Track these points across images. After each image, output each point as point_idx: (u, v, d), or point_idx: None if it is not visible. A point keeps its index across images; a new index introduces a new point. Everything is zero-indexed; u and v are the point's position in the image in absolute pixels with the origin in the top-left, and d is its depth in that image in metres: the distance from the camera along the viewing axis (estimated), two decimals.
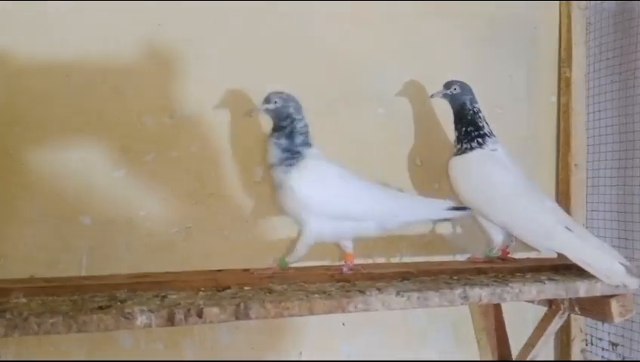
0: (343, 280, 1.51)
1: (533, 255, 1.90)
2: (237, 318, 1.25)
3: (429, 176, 2.09)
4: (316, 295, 1.33)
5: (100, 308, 1.21)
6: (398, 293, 1.33)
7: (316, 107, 1.75)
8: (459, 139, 1.84)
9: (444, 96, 1.87)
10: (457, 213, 1.70)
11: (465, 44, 2.17)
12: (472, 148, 1.80)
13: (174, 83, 1.88)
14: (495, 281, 1.52)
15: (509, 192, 1.74)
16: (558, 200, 2.20)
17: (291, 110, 1.62)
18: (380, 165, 2.02)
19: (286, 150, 1.60)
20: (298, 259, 1.60)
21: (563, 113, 2.24)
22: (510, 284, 1.47)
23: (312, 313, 1.30)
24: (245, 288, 1.41)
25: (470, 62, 2.16)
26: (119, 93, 1.82)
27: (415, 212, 1.69)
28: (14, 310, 1.18)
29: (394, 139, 2.08)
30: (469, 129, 1.82)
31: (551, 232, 1.64)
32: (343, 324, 2.00)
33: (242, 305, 1.26)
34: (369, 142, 2.04)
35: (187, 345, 1.88)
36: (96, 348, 1.80)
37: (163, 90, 1.87)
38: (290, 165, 1.59)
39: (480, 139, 1.81)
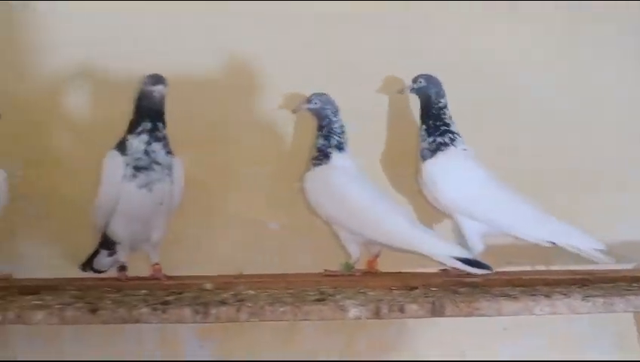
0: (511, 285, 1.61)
1: None
2: (433, 315, 1.40)
3: None
4: (502, 297, 1.45)
5: (318, 300, 1.42)
6: (584, 298, 1.41)
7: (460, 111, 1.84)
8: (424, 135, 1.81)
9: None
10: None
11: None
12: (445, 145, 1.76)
13: None
14: None
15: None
16: None
17: (329, 111, 1.78)
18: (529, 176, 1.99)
19: (319, 150, 1.77)
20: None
21: None
22: None
23: (500, 314, 1.42)
24: (432, 289, 1.57)
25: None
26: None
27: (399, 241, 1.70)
28: (250, 300, 1.42)
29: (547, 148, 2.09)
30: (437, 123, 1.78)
31: None
32: (505, 329, 2.09)
33: (437, 303, 1.41)
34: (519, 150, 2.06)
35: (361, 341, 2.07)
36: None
37: None
38: (314, 165, 1.76)
39: (451, 135, 1.76)
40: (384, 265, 1.85)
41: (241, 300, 1.42)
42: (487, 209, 1.70)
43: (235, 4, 2.02)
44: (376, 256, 1.82)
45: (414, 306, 1.40)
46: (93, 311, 1.36)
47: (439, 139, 1.76)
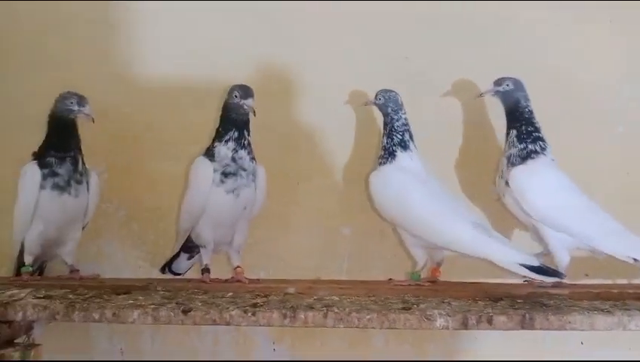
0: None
1: None
2: (522, 327, 1.38)
3: None
4: (595, 311, 1.41)
5: (404, 309, 1.42)
6: None
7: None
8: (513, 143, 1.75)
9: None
10: None
11: None
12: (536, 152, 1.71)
13: None
14: None
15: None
16: None
17: (389, 109, 1.74)
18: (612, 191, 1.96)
19: (383, 148, 1.74)
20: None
21: None
22: None
23: (592, 328, 1.38)
24: (517, 300, 1.53)
25: None
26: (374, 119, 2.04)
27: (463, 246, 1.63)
28: (339, 306, 1.43)
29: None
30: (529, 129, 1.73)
31: None
32: (582, 343, 2.03)
33: (527, 315, 1.39)
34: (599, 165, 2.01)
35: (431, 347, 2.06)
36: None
37: None
38: (379, 164, 1.72)
39: (542, 143, 1.71)
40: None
41: (328, 306, 1.43)
42: (572, 221, 1.65)
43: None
44: (439, 263, 1.77)
45: (503, 318, 1.38)
46: (186, 311, 1.40)
47: (530, 146, 1.71)
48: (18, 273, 1.80)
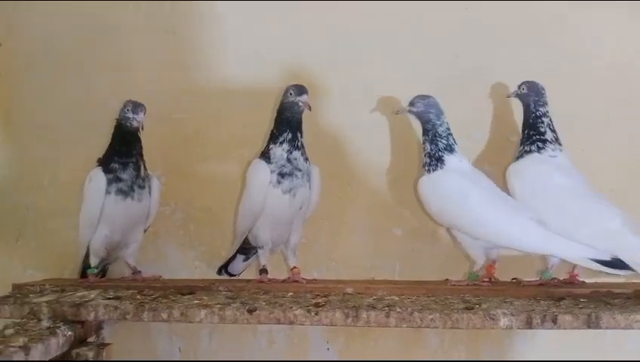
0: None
1: None
2: (589, 327, 1.37)
3: None
4: None
5: (467, 308, 1.42)
6: None
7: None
8: (520, 142, 1.79)
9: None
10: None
11: None
12: (530, 152, 1.72)
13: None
14: None
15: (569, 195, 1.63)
16: None
17: (432, 115, 1.72)
18: None
19: (429, 155, 1.71)
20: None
21: None
22: None
23: None
24: (581, 299, 1.52)
25: None
26: None
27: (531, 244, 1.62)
28: (401, 306, 1.44)
29: None
30: (531, 132, 1.75)
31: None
32: None
33: (593, 314, 1.37)
34: None
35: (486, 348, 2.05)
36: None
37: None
38: (427, 171, 1.70)
39: (540, 143, 1.72)
40: None
41: (390, 305, 1.44)
42: (553, 216, 1.62)
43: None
44: (495, 261, 1.76)
45: (568, 317, 1.37)
46: (251, 311, 1.43)
47: (527, 148, 1.75)
48: (83, 275, 1.88)
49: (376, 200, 2.07)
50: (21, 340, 1.26)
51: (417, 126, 1.96)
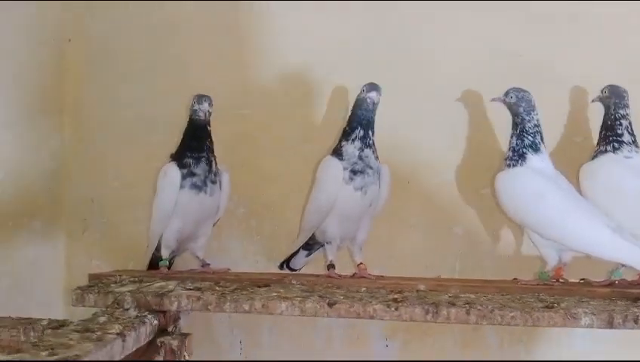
0: None
1: None
2: None
3: None
4: None
5: (547, 307, 1.43)
6: None
7: None
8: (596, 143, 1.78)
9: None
10: None
11: None
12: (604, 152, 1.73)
13: None
14: None
15: None
16: None
17: (521, 109, 1.69)
18: None
19: (512, 149, 1.70)
20: None
21: None
22: None
23: None
24: None
25: None
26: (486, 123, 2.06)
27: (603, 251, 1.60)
28: (481, 304, 1.45)
29: None
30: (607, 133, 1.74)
31: None
32: None
33: None
34: None
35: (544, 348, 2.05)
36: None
37: None
38: (508, 166, 1.69)
39: (616, 144, 1.71)
40: None
41: (469, 303, 1.46)
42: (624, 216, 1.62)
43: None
44: (565, 264, 1.74)
45: None
46: (331, 304, 1.46)
47: (602, 148, 1.75)
48: (151, 266, 1.92)
49: (436, 199, 2.08)
50: (116, 327, 1.30)
51: (484, 126, 2.02)
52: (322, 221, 1.78)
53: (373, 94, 1.75)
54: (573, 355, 2.01)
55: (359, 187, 1.73)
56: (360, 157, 1.74)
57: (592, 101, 1.85)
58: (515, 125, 1.72)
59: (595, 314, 1.39)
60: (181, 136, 1.85)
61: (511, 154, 1.71)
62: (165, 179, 1.79)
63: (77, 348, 1.14)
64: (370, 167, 1.75)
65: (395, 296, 1.52)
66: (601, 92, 1.80)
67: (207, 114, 1.82)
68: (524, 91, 1.73)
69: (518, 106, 1.71)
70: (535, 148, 1.69)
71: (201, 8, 2.20)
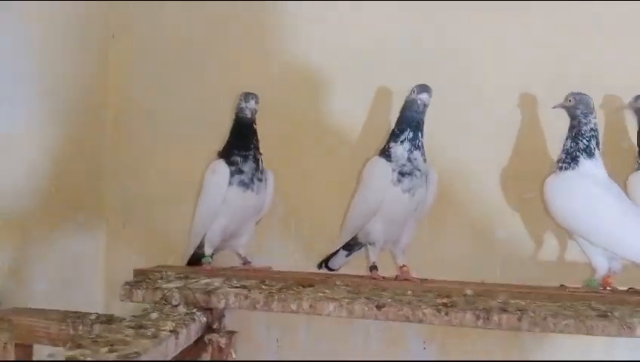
0: None
1: None
2: None
3: None
4: None
5: (601, 316, 1.40)
6: None
7: None
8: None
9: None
10: None
11: None
12: None
13: None
14: None
15: None
16: None
17: (579, 112, 1.67)
18: None
19: (566, 152, 1.67)
20: None
21: None
22: None
23: None
24: None
25: None
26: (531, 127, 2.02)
27: None
28: (533, 311, 1.43)
29: None
30: None
31: None
32: None
33: None
34: None
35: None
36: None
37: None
38: (560, 169, 1.66)
39: None
40: None
41: (521, 310, 1.43)
42: None
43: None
44: (614, 272, 1.71)
45: None
46: (380, 307, 1.45)
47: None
48: (192, 263, 1.93)
49: (479, 202, 2.05)
50: (169, 324, 1.31)
51: (529, 131, 1.99)
52: (367, 222, 1.77)
53: (424, 96, 1.73)
54: None
55: (407, 189, 1.72)
56: (409, 159, 1.72)
57: (623, 108, 1.82)
58: (571, 128, 1.70)
59: None
60: (227, 134, 1.86)
61: (564, 156, 1.69)
62: (214, 175, 1.79)
63: (134, 344, 1.14)
64: (419, 170, 1.74)
65: (444, 301, 1.50)
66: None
67: (254, 112, 1.83)
68: (583, 94, 1.71)
69: (576, 109, 1.69)
70: (589, 152, 1.67)
71: (246, 7, 2.20)
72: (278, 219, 2.13)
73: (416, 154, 1.74)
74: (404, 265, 1.82)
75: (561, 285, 1.74)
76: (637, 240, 1.62)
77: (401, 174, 1.71)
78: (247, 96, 1.84)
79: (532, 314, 1.40)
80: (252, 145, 1.81)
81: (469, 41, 2.07)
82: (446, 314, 1.42)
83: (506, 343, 2.01)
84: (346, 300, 1.48)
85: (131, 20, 2.27)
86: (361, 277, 1.79)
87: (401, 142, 1.74)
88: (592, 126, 1.68)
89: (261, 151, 1.91)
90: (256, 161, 1.81)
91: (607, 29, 1.99)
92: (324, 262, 1.97)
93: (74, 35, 2.12)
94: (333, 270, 1.97)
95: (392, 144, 1.75)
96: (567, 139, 1.70)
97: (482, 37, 2.06)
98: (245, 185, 1.77)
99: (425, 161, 1.77)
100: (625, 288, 1.73)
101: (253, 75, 2.14)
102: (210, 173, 1.81)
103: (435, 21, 2.09)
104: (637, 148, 1.80)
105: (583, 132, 1.68)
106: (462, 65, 2.06)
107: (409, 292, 1.61)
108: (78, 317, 1.53)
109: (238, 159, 1.78)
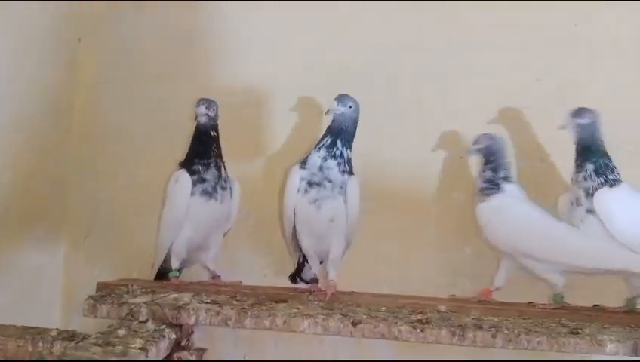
0: None
1: None
2: None
3: None
4: None
5: (572, 333, 1.42)
6: None
7: None
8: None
9: None
10: None
11: None
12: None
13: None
14: None
15: None
16: None
17: (498, 156, 1.72)
18: None
19: (488, 181, 1.72)
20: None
21: None
22: None
23: None
24: None
25: None
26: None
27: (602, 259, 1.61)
28: (507, 327, 1.44)
29: None
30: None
31: None
32: None
33: None
34: None
35: None
36: None
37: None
38: (487, 195, 1.70)
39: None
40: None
41: (495, 326, 1.44)
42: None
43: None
44: None
45: None
46: (355, 324, 1.43)
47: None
48: (159, 277, 1.86)
49: (447, 217, 2.07)
50: (138, 341, 1.25)
51: None
52: (291, 230, 1.73)
53: (334, 104, 1.70)
54: None
55: (312, 200, 1.66)
56: (320, 168, 1.67)
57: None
58: (488, 162, 1.74)
59: (620, 342, 1.38)
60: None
61: (487, 185, 1.73)
62: (176, 185, 1.74)
63: None
64: (329, 181, 1.67)
65: (419, 317, 1.49)
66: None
67: (208, 118, 1.78)
68: (493, 139, 1.76)
69: (492, 154, 1.74)
70: (509, 179, 1.74)
71: (214, 14, 2.17)
72: (249, 232, 2.10)
73: (331, 163, 1.67)
74: (331, 280, 1.72)
75: (530, 302, 1.77)
76: (578, 240, 1.66)
77: (309, 184, 1.67)
78: (198, 102, 1.78)
79: (506, 331, 1.41)
80: (212, 153, 1.76)
81: (443, 63, 2.08)
82: (421, 330, 1.42)
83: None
84: (321, 316, 1.45)
85: (101, 26, 2.20)
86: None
87: (319, 148, 1.70)
88: (509, 159, 1.76)
89: (229, 163, 1.88)
90: (219, 168, 1.76)
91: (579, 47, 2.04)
92: (297, 275, 1.94)
93: (38, 37, 2.03)
94: (308, 281, 1.92)
95: (312, 151, 1.72)
96: (484, 171, 1.74)
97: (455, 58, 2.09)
98: (208, 194, 1.72)
99: (344, 172, 1.68)
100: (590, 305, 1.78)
101: (218, 85, 2.10)
102: (172, 182, 1.76)
103: (405, 41, 2.10)
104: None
105: (502, 164, 1.74)
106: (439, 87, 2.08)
107: (383, 308, 1.60)
108: (38, 332, 1.44)
109: (200, 168, 1.73)
